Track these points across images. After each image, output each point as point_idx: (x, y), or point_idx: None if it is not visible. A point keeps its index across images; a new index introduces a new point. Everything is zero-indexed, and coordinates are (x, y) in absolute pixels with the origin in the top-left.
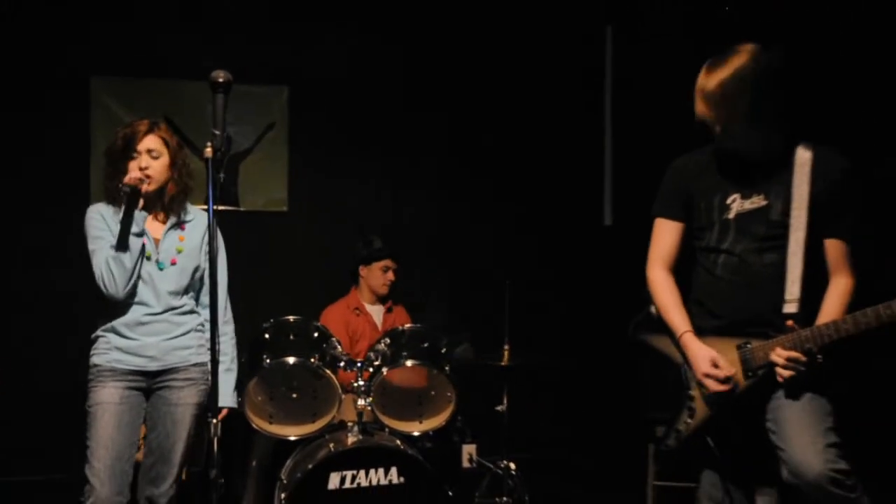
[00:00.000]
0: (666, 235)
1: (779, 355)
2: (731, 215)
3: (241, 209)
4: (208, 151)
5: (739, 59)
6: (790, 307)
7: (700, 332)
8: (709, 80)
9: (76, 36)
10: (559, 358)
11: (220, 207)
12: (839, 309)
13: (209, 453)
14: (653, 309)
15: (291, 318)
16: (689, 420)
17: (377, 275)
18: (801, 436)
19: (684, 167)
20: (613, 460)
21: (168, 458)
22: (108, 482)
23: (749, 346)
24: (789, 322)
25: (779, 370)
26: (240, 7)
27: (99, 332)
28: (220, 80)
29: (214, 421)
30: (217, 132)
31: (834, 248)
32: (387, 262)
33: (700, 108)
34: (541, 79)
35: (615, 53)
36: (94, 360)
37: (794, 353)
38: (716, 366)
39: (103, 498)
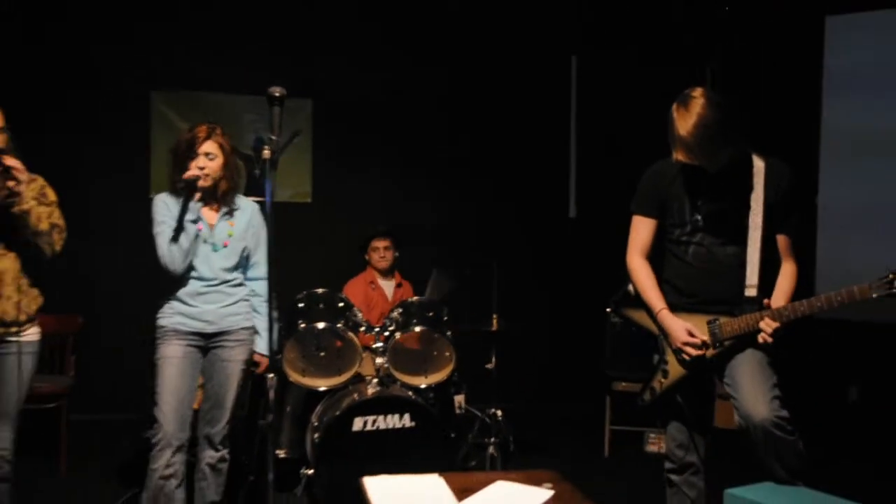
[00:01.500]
0: (643, 230)
1: (768, 325)
2: (700, 216)
3: (273, 200)
4: (266, 153)
5: (698, 107)
6: (751, 291)
7: (672, 308)
8: (681, 131)
9: (139, 56)
10: (537, 325)
11: (257, 199)
12: (790, 286)
13: (266, 402)
14: (630, 288)
15: (320, 290)
16: (662, 380)
17: (372, 253)
18: (753, 389)
19: (660, 173)
20: (578, 409)
21: (221, 404)
22: (173, 421)
23: (718, 321)
24: (766, 301)
25: (762, 336)
26: (272, 33)
27: (164, 299)
28: (277, 94)
29: (271, 376)
30: (274, 137)
31: (783, 241)
32: (376, 242)
33: (680, 155)
34: (519, 98)
35: (578, 78)
36: (161, 322)
37: (778, 324)
38: (691, 335)
39: (169, 434)
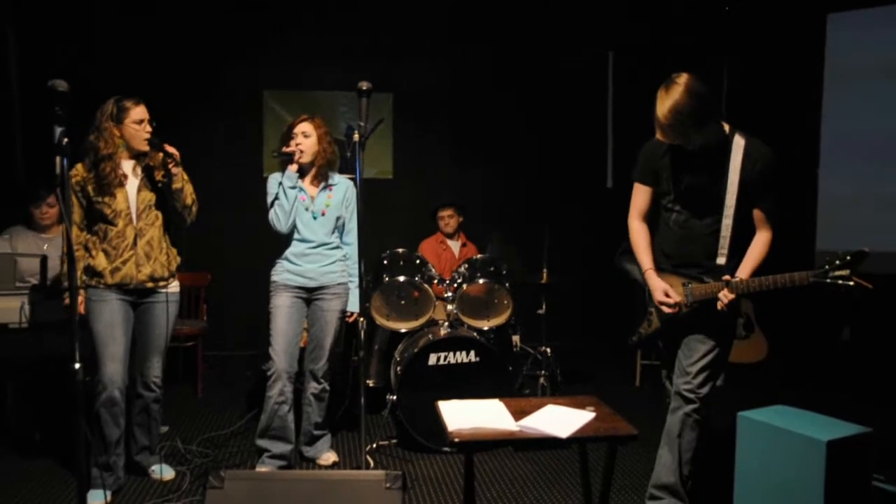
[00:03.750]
0: (641, 196)
1: (725, 295)
2: (682, 187)
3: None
4: (356, 136)
5: (676, 94)
6: (721, 259)
7: (659, 267)
8: (659, 113)
9: (255, 63)
10: (580, 277)
11: (349, 176)
12: (759, 254)
13: (358, 342)
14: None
15: (401, 249)
16: (647, 327)
17: (439, 220)
18: (691, 369)
19: (654, 148)
20: (613, 346)
21: (322, 345)
22: (284, 358)
23: (690, 285)
24: (726, 277)
25: (720, 304)
26: (360, 41)
27: (277, 260)
28: (364, 87)
29: (362, 320)
30: (362, 123)
31: (758, 215)
32: (441, 212)
33: (659, 135)
34: (565, 89)
35: (614, 72)
36: (274, 278)
37: (734, 296)
38: (667, 295)
39: (281, 369)
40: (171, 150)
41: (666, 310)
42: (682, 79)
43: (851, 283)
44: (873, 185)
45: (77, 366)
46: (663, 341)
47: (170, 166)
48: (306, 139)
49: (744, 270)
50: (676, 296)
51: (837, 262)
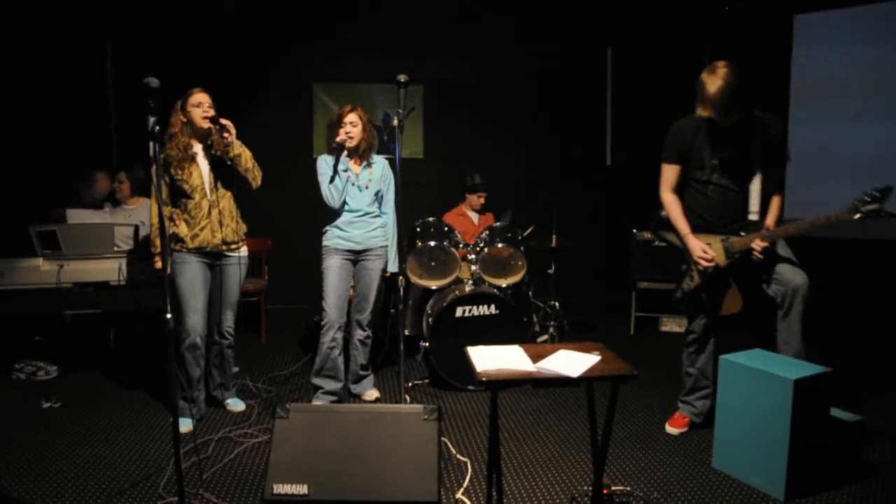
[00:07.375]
0: (671, 173)
1: (757, 245)
2: (716, 161)
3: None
4: (395, 121)
5: (724, 74)
6: (753, 216)
7: (695, 229)
8: (712, 90)
9: (305, 59)
10: (583, 242)
11: (387, 156)
12: (778, 209)
13: (396, 296)
14: (663, 214)
15: (430, 219)
16: (690, 282)
17: (475, 199)
18: (790, 269)
19: (683, 129)
20: (612, 301)
21: (367, 298)
22: (335, 310)
23: (729, 239)
24: (767, 223)
25: (755, 254)
26: (396, 40)
27: (327, 227)
28: (402, 80)
29: (402, 277)
30: (401, 111)
31: (772, 179)
32: (480, 193)
33: (707, 111)
34: (570, 79)
35: (613, 64)
36: (325, 242)
37: (766, 244)
38: (705, 251)
39: (333, 318)
40: (225, 122)
41: (704, 263)
42: (723, 63)
43: (883, 214)
44: (830, 161)
45: (169, 316)
46: (706, 293)
47: (224, 136)
48: (354, 128)
49: (769, 222)
50: (712, 252)
51: (866, 198)
